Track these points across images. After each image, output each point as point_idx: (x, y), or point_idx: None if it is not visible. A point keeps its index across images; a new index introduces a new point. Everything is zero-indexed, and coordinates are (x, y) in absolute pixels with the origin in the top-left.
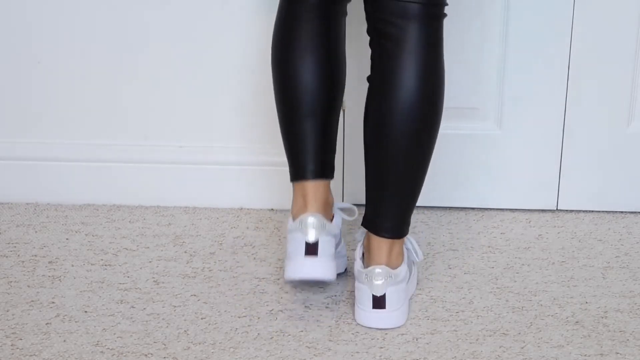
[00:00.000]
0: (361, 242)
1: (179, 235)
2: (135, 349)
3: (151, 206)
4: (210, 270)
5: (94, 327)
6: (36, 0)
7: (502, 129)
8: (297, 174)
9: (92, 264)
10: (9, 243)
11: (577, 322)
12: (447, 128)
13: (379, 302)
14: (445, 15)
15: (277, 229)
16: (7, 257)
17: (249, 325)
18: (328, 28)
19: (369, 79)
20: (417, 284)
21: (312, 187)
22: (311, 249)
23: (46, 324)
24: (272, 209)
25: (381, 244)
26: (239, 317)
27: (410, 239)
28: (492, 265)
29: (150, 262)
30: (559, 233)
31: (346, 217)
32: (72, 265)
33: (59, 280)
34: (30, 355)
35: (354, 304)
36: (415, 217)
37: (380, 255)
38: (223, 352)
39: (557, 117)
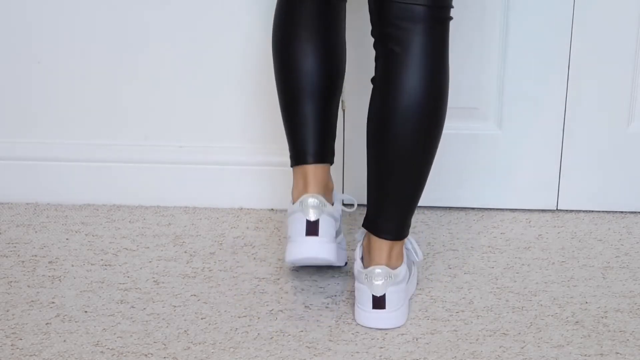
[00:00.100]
0: (361, 242)
1: (179, 235)
2: (135, 349)
3: (151, 206)
4: (210, 270)
5: (94, 327)
6: (36, 0)
7: (502, 129)
8: (298, 158)
9: (92, 264)
10: (9, 243)
11: (577, 322)
12: (447, 128)
13: (379, 303)
14: (451, 18)
15: (277, 229)
16: (7, 257)
17: (249, 325)
18: (328, 13)
19: (373, 80)
20: (417, 284)
21: (313, 170)
22: (312, 229)
23: (46, 324)
24: (272, 209)
25: (382, 245)
26: (239, 317)
27: (410, 239)
28: (492, 265)
29: (150, 262)
30: (559, 233)
31: (345, 209)
32: (72, 265)
33: (59, 280)
34: (30, 355)
35: (354, 304)
36: (416, 217)
37: (381, 256)
38: (223, 352)
39: (557, 117)
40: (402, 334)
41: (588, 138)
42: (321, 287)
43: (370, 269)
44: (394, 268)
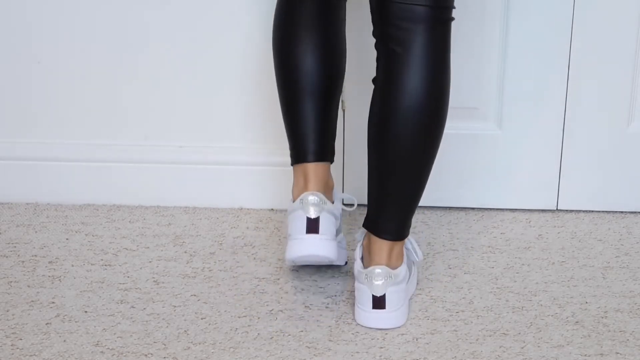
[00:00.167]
0: (361, 242)
1: (179, 235)
2: (135, 349)
3: (151, 206)
4: (210, 270)
5: (94, 327)
6: (36, 0)
7: (502, 129)
8: (298, 156)
9: (92, 264)
10: (9, 243)
11: (577, 322)
12: (448, 128)
13: (379, 303)
14: (452, 18)
15: (277, 229)
16: (7, 257)
17: (249, 325)
18: (328, 13)
19: (374, 80)
20: (417, 284)
21: (313, 168)
22: (313, 226)
23: (46, 324)
24: (272, 209)
25: (382, 246)
26: (239, 317)
27: (410, 239)
28: (492, 265)
29: (150, 262)
30: (559, 233)
31: (345, 208)
32: (72, 265)
33: (59, 280)
34: (30, 355)
35: (354, 304)
36: (415, 217)
37: (381, 256)
38: (223, 352)
39: (557, 117)
40: (402, 334)
41: (588, 138)
42: (321, 287)
43: (370, 269)
44: (394, 268)
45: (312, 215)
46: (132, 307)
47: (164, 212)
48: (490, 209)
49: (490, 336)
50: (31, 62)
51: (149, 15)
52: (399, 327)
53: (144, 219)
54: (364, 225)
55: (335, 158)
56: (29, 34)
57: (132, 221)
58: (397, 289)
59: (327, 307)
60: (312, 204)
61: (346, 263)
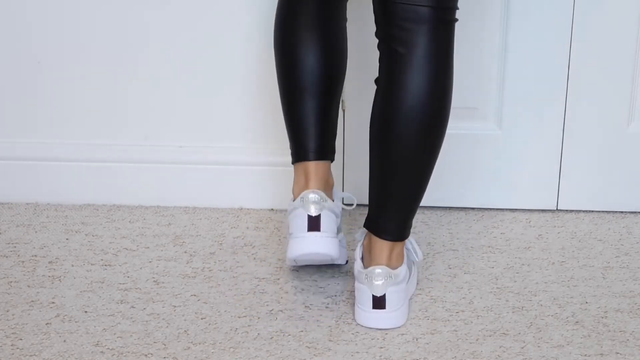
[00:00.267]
0: (361, 242)
1: (179, 235)
2: (135, 349)
3: (151, 206)
4: (210, 270)
5: (94, 327)
6: (36, 0)
7: (502, 129)
8: (299, 155)
9: (92, 264)
10: (9, 243)
11: (577, 322)
12: (448, 128)
13: (379, 303)
14: (456, 19)
15: (277, 229)
16: (7, 257)
17: (249, 325)
18: (329, 13)
19: (376, 81)
20: (417, 284)
21: (314, 167)
22: (314, 224)
23: (46, 324)
24: (272, 209)
25: (382, 246)
26: (239, 317)
27: (410, 239)
28: (492, 265)
29: (150, 262)
30: (559, 233)
31: (345, 207)
32: (72, 265)
33: (59, 280)
34: (30, 355)
35: (354, 304)
36: (416, 217)
37: (381, 256)
38: (223, 352)
39: (557, 117)
40: (402, 334)
41: (588, 138)
42: (321, 287)
43: (370, 269)
44: (394, 268)
45: (313, 213)
46: (132, 307)
47: (164, 212)
48: (490, 209)
49: (490, 336)
50: (31, 62)
51: (149, 15)
52: (399, 327)
53: (144, 219)
54: (364, 226)
55: (335, 157)
56: (29, 33)
57: (132, 221)
58: (397, 289)
59: (327, 307)
60: (313, 202)
61: (347, 262)
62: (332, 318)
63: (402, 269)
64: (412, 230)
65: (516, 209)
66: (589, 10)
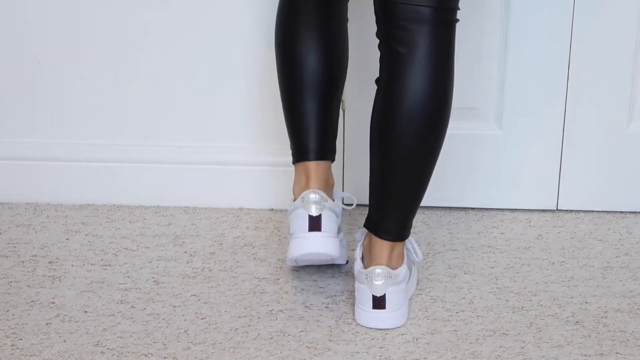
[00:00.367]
0: (361, 242)
1: (179, 235)
2: (135, 349)
3: (151, 206)
4: (210, 270)
5: (94, 327)
6: (36, 0)
7: (502, 129)
8: (300, 155)
9: (92, 264)
10: (9, 243)
11: (577, 322)
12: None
13: (379, 303)
14: (457, 20)
15: (277, 229)
16: (7, 257)
17: (249, 325)
18: (330, 13)
19: (377, 81)
20: (417, 284)
21: (314, 167)
22: (315, 224)
23: (46, 324)
24: (272, 209)
25: (383, 246)
26: (239, 317)
27: (410, 239)
28: (492, 265)
29: (150, 262)
30: (559, 233)
31: (345, 207)
32: (72, 265)
33: (59, 280)
34: (30, 355)
35: (354, 304)
36: (416, 217)
37: (381, 257)
38: (223, 352)
39: (557, 117)
40: (402, 334)
41: (588, 138)
42: (321, 287)
43: (370, 269)
44: (394, 268)
45: (314, 213)
46: (132, 307)
47: (164, 212)
48: (490, 209)
49: (490, 336)
50: (31, 62)
51: (149, 15)
52: (399, 327)
53: (144, 219)
54: (365, 226)
55: (335, 157)
56: (29, 33)
57: (132, 221)
58: (397, 289)
59: (327, 307)
60: (314, 202)
61: (347, 262)
62: (332, 318)
63: (402, 269)
64: (412, 230)
65: (516, 209)
66: (589, 10)
